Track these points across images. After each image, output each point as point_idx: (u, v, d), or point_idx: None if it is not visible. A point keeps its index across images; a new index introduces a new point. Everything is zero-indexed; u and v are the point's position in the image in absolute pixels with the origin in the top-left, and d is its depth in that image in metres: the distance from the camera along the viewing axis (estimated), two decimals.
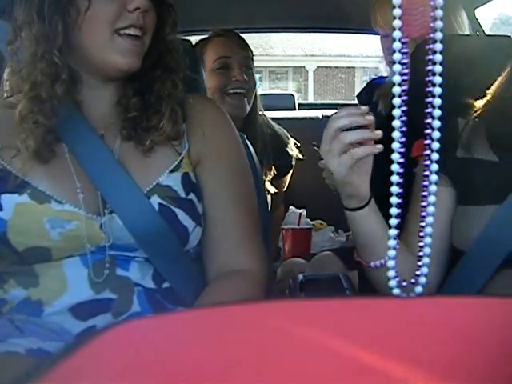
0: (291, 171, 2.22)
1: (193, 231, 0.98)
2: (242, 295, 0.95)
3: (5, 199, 0.91)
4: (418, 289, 0.53)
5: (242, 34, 2.03)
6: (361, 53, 16.35)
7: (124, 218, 0.93)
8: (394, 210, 0.42)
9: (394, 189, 0.41)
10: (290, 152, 2.15)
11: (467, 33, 1.99)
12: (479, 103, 1.03)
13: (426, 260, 0.51)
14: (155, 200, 0.95)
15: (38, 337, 0.86)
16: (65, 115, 0.95)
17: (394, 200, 0.42)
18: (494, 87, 1.03)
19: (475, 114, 1.03)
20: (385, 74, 2.03)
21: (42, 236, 0.90)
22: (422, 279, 0.53)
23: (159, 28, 0.99)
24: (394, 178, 0.41)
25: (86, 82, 0.98)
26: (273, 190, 2.07)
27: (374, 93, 1.88)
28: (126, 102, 0.98)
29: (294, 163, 2.18)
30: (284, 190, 2.25)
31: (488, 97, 1.02)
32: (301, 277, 1.20)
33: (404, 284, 0.54)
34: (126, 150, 0.97)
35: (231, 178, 1.03)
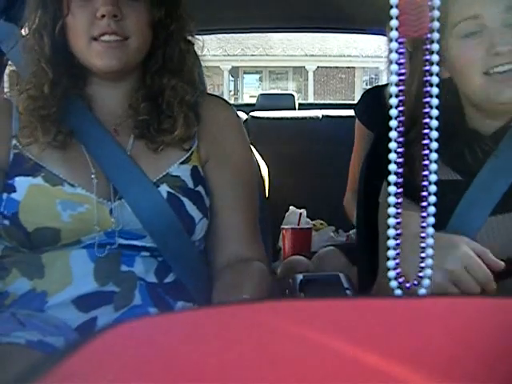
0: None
1: (199, 222, 1.00)
2: (257, 280, 1.00)
3: (19, 182, 0.95)
4: (422, 291, 0.53)
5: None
6: (361, 53, 16.35)
7: (133, 205, 0.96)
8: (392, 210, 0.42)
9: (392, 189, 0.41)
10: None
11: None
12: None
13: (428, 261, 0.51)
14: (164, 188, 0.98)
15: (39, 331, 0.88)
16: (77, 114, 1.01)
17: (392, 200, 0.42)
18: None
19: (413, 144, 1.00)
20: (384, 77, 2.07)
21: (53, 217, 0.93)
22: (426, 281, 0.53)
23: (163, 26, 1.02)
24: (392, 178, 0.41)
25: (94, 79, 1.03)
26: None
27: (375, 101, 1.91)
28: (137, 106, 1.02)
29: None
30: None
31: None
32: (300, 277, 1.20)
33: (407, 285, 0.54)
34: (138, 146, 1.02)
35: (236, 177, 1.07)
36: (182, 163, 1.02)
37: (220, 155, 1.07)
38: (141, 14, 0.98)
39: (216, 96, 1.22)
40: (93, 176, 0.97)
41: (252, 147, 1.94)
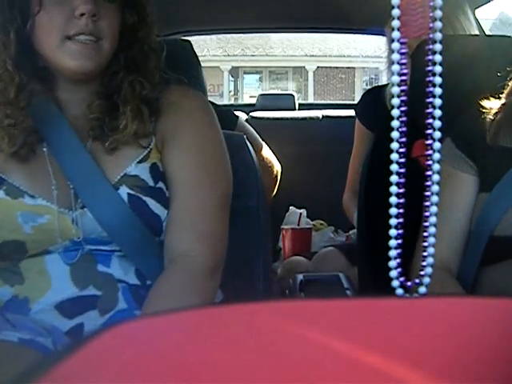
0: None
1: (165, 219, 0.98)
2: (182, 285, 0.93)
3: None
4: (422, 289, 0.53)
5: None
6: (361, 53, 16.37)
7: (94, 212, 0.94)
8: (394, 210, 0.42)
9: (394, 189, 0.41)
10: None
11: (474, 32, 2.01)
12: (497, 102, 1.07)
13: (429, 260, 0.51)
14: (124, 190, 0.96)
15: (29, 331, 0.87)
16: (48, 114, 0.98)
17: (393, 200, 0.42)
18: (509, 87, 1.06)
19: (498, 113, 1.06)
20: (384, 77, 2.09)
21: (16, 230, 0.92)
22: (426, 279, 0.53)
23: (132, 31, 1.00)
24: (394, 178, 0.41)
25: (60, 83, 1.01)
26: None
27: (375, 102, 1.92)
28: (92, 105, 1.00)
29: None
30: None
31: (505, 96, 1.06)
32: (301, 277, 1.20)
33: (408, 284, 0.54)
34: (95, 149, 0.99)
35: (192, 161, 1.01)
36: (140, 162, 0.99)
37: (173, 138, 1.01)
38: (115, 16, 0.97)
39: (183, 86, 1.12)
40: (53, 187, 0.95)
41: (266, 146, 1.94)
